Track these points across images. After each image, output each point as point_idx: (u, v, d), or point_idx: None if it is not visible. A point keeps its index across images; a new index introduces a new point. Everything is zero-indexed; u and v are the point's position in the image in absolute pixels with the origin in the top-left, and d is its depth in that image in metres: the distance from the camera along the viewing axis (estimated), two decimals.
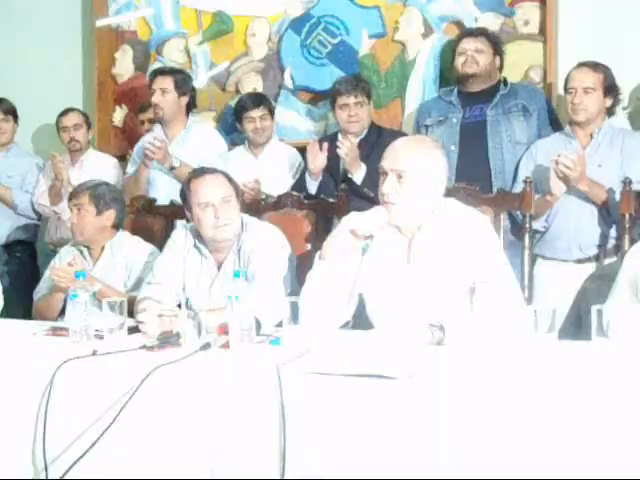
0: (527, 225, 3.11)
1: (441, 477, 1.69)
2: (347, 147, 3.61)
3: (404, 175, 2.39)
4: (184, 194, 2.96)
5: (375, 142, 3.72)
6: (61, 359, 2.08)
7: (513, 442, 1.65)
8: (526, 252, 3.06)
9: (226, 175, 2.99)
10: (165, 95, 4.09)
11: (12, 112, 4.59)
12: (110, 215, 3.28)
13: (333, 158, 3.74)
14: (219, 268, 2.92)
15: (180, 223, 3.21)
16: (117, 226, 3.34)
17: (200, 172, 3.00)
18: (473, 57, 3.69)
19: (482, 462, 1.66)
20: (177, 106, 4.14)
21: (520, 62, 4.18)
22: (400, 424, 1.74)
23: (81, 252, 3.31)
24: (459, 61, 3.75)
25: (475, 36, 3.76)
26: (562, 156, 3.18)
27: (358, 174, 3.62)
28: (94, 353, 2.16)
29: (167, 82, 4.10)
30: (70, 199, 3.36)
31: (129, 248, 3.26)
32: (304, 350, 2.09)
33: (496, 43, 3.81)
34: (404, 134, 3.63)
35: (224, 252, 2.92)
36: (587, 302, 2.78)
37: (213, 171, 2.99)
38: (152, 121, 4.49)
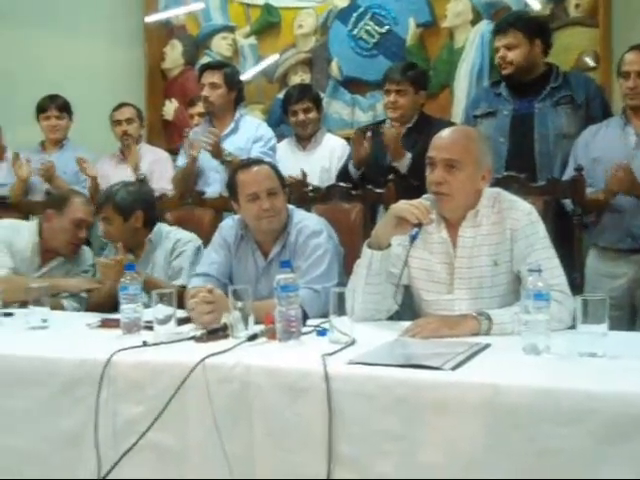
0: (578, 214, 3.04)
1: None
2: (388, 135, 3.59)
3: (454, 165, 2.39)
4: (231, 186, 2.98)
5: (423, 131, 3.68)
6: (113, 350, 2.11)
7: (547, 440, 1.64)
8: (576, 241, 3.00)
9: (272, 166, 3.02)
10: (215, 90, 4.12)
11: (66, 109, 4.66)
12: (138, 216, 3.27)
13: (380, 146, 3.72)
14: (266, 259, 2.94)
15: (228, 216, 3.21)
16: (150, 221, 3.33)
17: (247, 164, 3.03)
18: (504, 57, 3.56)
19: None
20: (226, 100, 4.16)
21: (572, 47, 4.13)
22: (444, 413, 1.73)
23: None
24: (497, 60, 3.66)
25: (504, 32, 3.59)
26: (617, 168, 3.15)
27: (402, 163, 3.59)
28: (144, 344, 2.20)
29: (216, 76, 4.13)
30: (96, 212, 3.36)
31: (167, 240, 3.28)
32: (350, 341, 2.09)
33: (532, 28, 3.62)
34: (453, 124, 3.59)
35: (271, 243, 2.93)
36: None
37: (260, 162, 3.02)
38: (202, 115, 4.53)
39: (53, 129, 4.61)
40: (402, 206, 2.38)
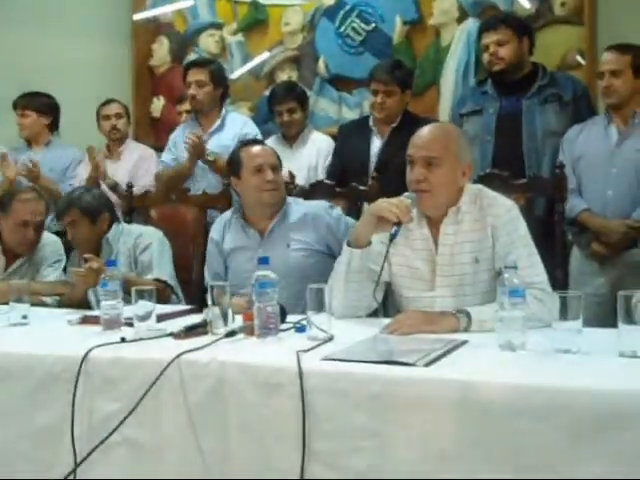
0: (558, 211, 3.05)
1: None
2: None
3: (433, 162, 2.40)
4: (235, 160, 3.09)
5: (410, 130, 3.67)
6: (91, 346, 2.11)
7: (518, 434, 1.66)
8: (559, 238, 3.01)
9: (272, 148, 3.21)
10: (201, 87, 4.11)
11: (34, 107, 4.61)
12: (104, 219, 3.29)
13: (362, 142, 3.74)
14: (261, 234, 3.05)
15: (211, 213, 3.25)
16: (113, 222, 3.35)
17: (251, 142, 3.23)
18: (496, 53, 3.57)
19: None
20: (213, 97, 4.16)
21: (557, 45, 4.14)
22: (416, 410, 1.73)
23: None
24: (485, 58, 3.66)
25: (495, 28, 3.61)
26: None
27: None
28: (123, 340, 2.20)
29: (203, 74, 4.12)
30: (59, 218, 3.34)
31: (127, 236, 3.29)
32: (328, 338, 2.10)
33: (520, 26, 3.67)
34: (437, 122, 3.60)
35: (267, 219, 3.05)
36: (625, 290, 2.74)
37: (261, 141, 3.26)
38: (190, 112, 4.53)
39: (20, 127, 4.61)
40: (382, 205, 2.38)
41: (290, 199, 3.12)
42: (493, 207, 2.44)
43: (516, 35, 3.58)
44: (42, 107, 4.63)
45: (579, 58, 4.14)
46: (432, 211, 2.48)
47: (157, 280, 3.11)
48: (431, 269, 2.48)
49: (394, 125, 3.82)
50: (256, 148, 3.10)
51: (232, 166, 3.12)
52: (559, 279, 2.94)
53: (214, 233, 3.18)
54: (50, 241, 3.48)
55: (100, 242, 3.27)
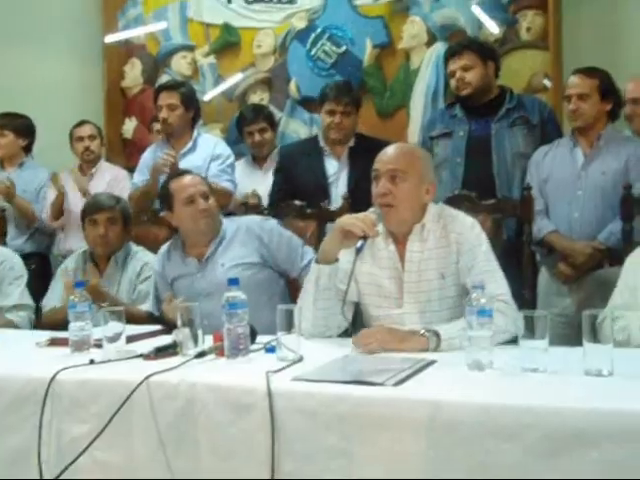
0: (526, 232, 3.09)
1: None
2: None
3: (399, 176, 2.44)
4: (165, 196, 3.11)
5: (367, 149, 3.68)
6: (59, 368, 2.10)
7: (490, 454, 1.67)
8: (526, 259, 3.04)
9: (200, 175, 3.24)
10: (173, 111, 4.09)
11: (12, 127, 4.60)
12: (129, 231, 3.40)
13: (315, 163, 3.76)
14: (199, 260, 3.09)
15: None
16: (126, 238, 3.41)
17: (178, 174, 3.20)
18: (462, 78, 3.61)
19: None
20: (184, 120, 4.15)
21: (523, 69, 4.21)
22: (385, 429, 1.74)
23: (84, 263, 3.35)
24: (452, 83, 3.70)
25: (460, 54, 3.65)
26: None
27: None
28: (91, 362, 2.19)
29: (174, 97, 4.11)
30: (97, 212, 3.36)
31: (135, 262, 3.33)
32: (297, 358, 2.11)
33: (485, 50, 3.71)
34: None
35: (204, 246, 3.08)
36: (592, 308, 2.77)
37: (189, 172, 3.21)
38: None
39: None
40: (347, 220, 2.42)
41: (224, 220, 3.15)
42: (456, 224, 2.49)
43: (481, 60, 3.62)
44: (20, 128, 4.63)
45: (545, 81, 4.22)
46: (397, 226, 2.51)
47: (148, 313, 3.12)
48: (398, 286, 2.50)
49: (351, 145, 3.84)
50: (185, 179, 3.10)
51: (163, 201, 3.14)
52: (527, 299, 2.97)
53: (156, 265, 3.22)
54: (8, 257, 3.38)
55: (109, 255, 3.33)
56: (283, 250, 3.06)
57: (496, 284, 2.38)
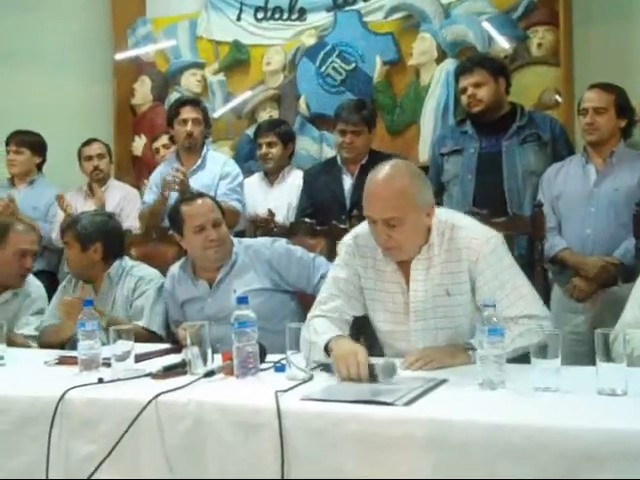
0: (537, 249, 3.06)
1: None
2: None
3: (392, 222, 2.31)
4: (175, 220, 3.07)
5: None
6: (67, 387, 2.09)
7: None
8: (537, 276, 3.01)
9: (213, 199, 3.18)
10: (198, 125, 4.12)
11: (28, 144, 4.63)
12: (97, 248, 3.23)
13: (334, 182, 3.76)
14: (210, 284, 3.06)
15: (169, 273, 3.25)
16: (111, 256, 3.28)
17: (190, 197, 3.16)
18: (474, 95, 3.59)
19: None
20: (203, 136, 4.18)
21: (534, 85, 4.19)
22: (396, 449, 1.72)
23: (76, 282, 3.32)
24: (463, 100, 3.68)
25: (471, 70, 3.63)
26: None
27: None
28: (100, 381, 2.18)
29: (198, 112, 4.14)
30: (61, 236, 3.35)
31: (130, 277, 3.24)
32: (307, 377, 2.09)
33: (495, 67, 3.69)
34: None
35: (215, 271, 3.05)
36: (603, 327, 2.75)
37: (201, 195, 3.17)
38: (166, 147, 4.55)
39: (10, 163, 4.62)
40: (338, 363, 2.15)
41: (235, 242, 3.10)
42: (468, 239, 2.36)
43: (492, 76, 3.61)
44: (35, 146, 4.66)
45: (557, 97, 4.20)
46: (406, 258, 2.43)
47: (144, 329, 3.07)
48: (404, 302, 2.44)
49: (362, 163, 3.85)
50: (196, 205, 3.03)
51: (174, 224, 3.11)
52: None
53: (167, 285, 3.18)
54: (35, 285, 3.43)
55: (97, 274, 3.25)
56: (294, 270, 3.03)
57: (526, 301, 2.34)
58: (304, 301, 3.03)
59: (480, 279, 2.36)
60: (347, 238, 2.56)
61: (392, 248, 2.37)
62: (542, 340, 2.00)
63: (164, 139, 4.64)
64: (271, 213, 3.87)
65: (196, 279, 3.09)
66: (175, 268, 3.19)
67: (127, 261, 3.34)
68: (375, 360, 2.11)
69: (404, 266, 2.44)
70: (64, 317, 3.02)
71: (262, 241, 3.17)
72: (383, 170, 2.34)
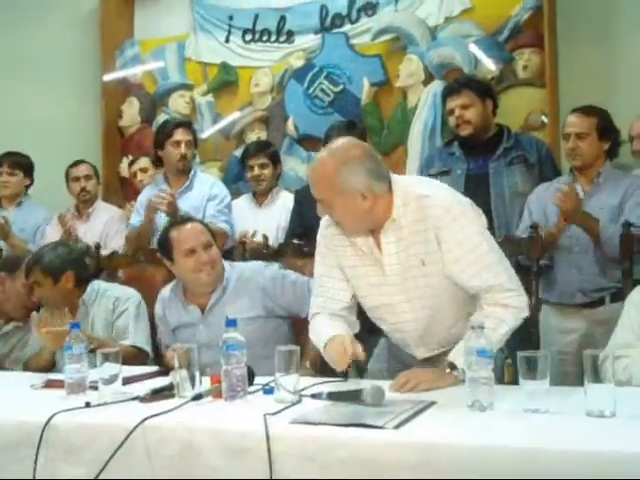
0: (534, 270, 3.05)
1: None
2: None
3: (325, 203, 2.38)
4: (164, 244, 3.03)
5: None
6: (54, 411, 2.07)
7: None
8: (533, 298, 3.01)
9: (202, 222, 3.17)
10: (190, 148, 4.13)
11: (21, 166, 4.63)
12: (69, 277, 3.17)
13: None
14: (202, 309, 3.01)
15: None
16: (83, 281, 3.24)
17: (179, 222, 3.12)
18: (462, 116, 3.62)
19: None
20: (193, 158, 4.19)
21: (520, 107, 4.23)
22: (386, 473, 1.71)
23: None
24: (451, 122, 3.70)
25: (458, 92, 3.66)
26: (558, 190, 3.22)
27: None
28: (87, 405, 2.16)
29: (190, 135, 4.15)
30: (26, 277, 3.21)
31: (105, 299, 3.19)
32: (296, 400, 2.08)
33: (483, 88, 3.72)
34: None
35: (207, 295, 3.01)
36: (593, 348, 2.75)
37: (190, 219, 3.15)
38: (144, 170, 4.54)
39: (3, 185, 4.59)
40: (330, 356, 2.35)
41: (226, 266, 3.06)
42: (432, 208, 2.33)
43: (479, 97, 3.64)
44: (27, 168, 4.64)
45: (543, 118, 4.24)
46: (358, 234, 2.44)
47: (132, 347, 3.05)
48: (381, 276, 2.44)
49: None
50: (185, 229, 3.00)
51: (163, 250, 3.06)
52: (534, 337, 2.94)
53: (158, 310, 3.15)
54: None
55: (73, 301, 3.18)
56: (288, 295, 3.00)
57: (490, 272, 2.32)
58: (297, 325, 3.02)
59: (444, 247, 2.34)
60: (320, 230, 2.58)
61: (335, 223, 2.44)
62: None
63: (142, 162, 4.63)
64: (265, 237, 3.87)
65: (187, 304, 3.06)
66: (166, 292, 3.16)
67: (100, 284, 3.30)
68: (364, 385, 2.10)
69: (377, 239, 2.43)
70: (49, 345, 2.97)
71: (255, 267, 3.12)
72: (321, 153, 2.42)
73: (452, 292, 2.40)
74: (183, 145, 4.09)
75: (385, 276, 2.43)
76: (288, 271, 3.10)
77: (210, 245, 2.99)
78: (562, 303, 3.43)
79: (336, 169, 2.32)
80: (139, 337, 3.11)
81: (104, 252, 3.86)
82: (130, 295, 3.23)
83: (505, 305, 2.30)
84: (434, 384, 2.24)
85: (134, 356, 2.94)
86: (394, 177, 2.41)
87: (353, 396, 2.05)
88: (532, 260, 3.06)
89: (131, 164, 4.78)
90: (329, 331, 2.41)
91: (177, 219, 3.23)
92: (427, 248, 2.36)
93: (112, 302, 3.18)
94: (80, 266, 3.26)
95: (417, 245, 2.37)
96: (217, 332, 2.76)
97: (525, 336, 2.52)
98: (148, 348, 3.13)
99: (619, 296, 3.23)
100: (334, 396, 2.10)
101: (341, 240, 2.49)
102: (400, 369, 2.44)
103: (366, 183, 2.32)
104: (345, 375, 2.38)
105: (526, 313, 2.36)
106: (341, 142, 2.40)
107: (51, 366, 3.04)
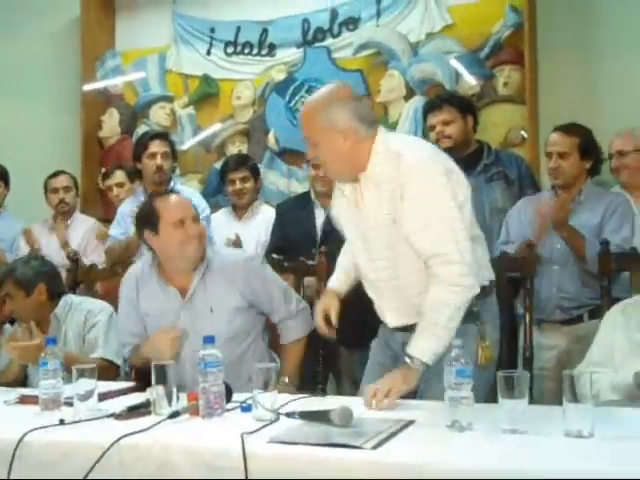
0: (527, 287, 3.04)
1: None
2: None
3: (310, 141, 2.44)
4: (149, 216, 2.83)
5: None
6: (28, 428, 2.04)
7: None
8: (527, 315, 3.01)
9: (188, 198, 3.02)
10: (167, 159, 4.09)
11: (2, 178, 4.59)
12: (41, 290, 3.15)
13: (307, 216, 3.75)
14: (182, 293, 2.85)
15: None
16: (55, 295, 3.20)
17: (163, 193, 2.99)
18: (443, 132, 3.64)
19: None
20: (170, 170, 4.16)
21: (501, 123, 4.25)
22: None
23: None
24: (432, 137, 3.70)
25: (439, 108, 3.68)
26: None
27: None
28: (61, 422, 2.13)
29: (167, 146, 4.11)
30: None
31: (78, 312, 3.16)
32: (274, 418, 2.06)
33: (464, 104, 3.74)
34: None
35: (189, 274, 2.85)
36: (571, 364, 2.76)
37: (173, 191, 3.02)
38: (120, 185, 4.51)
39: None
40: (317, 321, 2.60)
41: (209, 250, 2.94)
42: (402, 165, 2.34)
43: (460, 113, 3.66)
44: (5, 178, 4.59)
45: (523, 134, 4.26)
46: (341, 179, 2.52)
47: (102, 359, 3.01)
48: (355, 224, 2.52)
49: None
50: (173, 200, 2.86)
51: (146, 220, 2.84)
52: (527, 356, 2.94)
53: (126, 289, 2.94)
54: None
55: (45, 315, 3.14)
56: (262, 291, 2.90)
57: (434, 239, 2.31)
58: (275, 336, 3.00)
59: (403, 205, 2.34)
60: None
61: (320, 165, 2.56)
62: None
63: (117, 176, 4.60)
64: (238, 238, 3.87)
65: (166, 284, 2.86)
66: (137, 268, 2.96)
67: (72, 298, 3.27)
68: (333, 406, 2.05)
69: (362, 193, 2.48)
70: (17, 360, 2.94)
71: (239, 256, 3.03)
72: (311, 94, 2.52)
73: (411, 259, 2.38)
74: (159, 157, 4.06)
75: (364, 231, 2.48)
76: (269, 268, 3.00)
77: (198, 218, 2.87)
78: (542, 320, 3.44)
79: (322, 107, 2.39)
80: (109, 350, 3.07)
81: (86, 261, 3.84)
82: (102, 308, 3.19)
83: (448, 283, 2.28)
84: (402, 389, 2.25)
85: (104, 369, 2.84)
86: (382, 128, 2.46)
87: (322, 416, 2.02)
88: (526, 278, 3.04)
89: (105, 177, 4.73)
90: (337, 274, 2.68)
91: (159, 192, 3.09)
92: (395, 205, 2.35)
93: (84, 315, 3.14)
94: (52, 279, 3.22)
95: (388, 202, 2.37)
96: (200, 321, 2.75)
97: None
98: (119, 361, 3.09)
99: (597, 313, 3.25)
100: (306, 416, 2.07)
101: (338, 192, 2.57)
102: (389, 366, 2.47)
103: (348, 123, 2.37)
104: (323, 390, 2.37)
105: (474, 291, 2.31)
106: (332, 84, 2.48)
107: (21, 380, 3.00)
